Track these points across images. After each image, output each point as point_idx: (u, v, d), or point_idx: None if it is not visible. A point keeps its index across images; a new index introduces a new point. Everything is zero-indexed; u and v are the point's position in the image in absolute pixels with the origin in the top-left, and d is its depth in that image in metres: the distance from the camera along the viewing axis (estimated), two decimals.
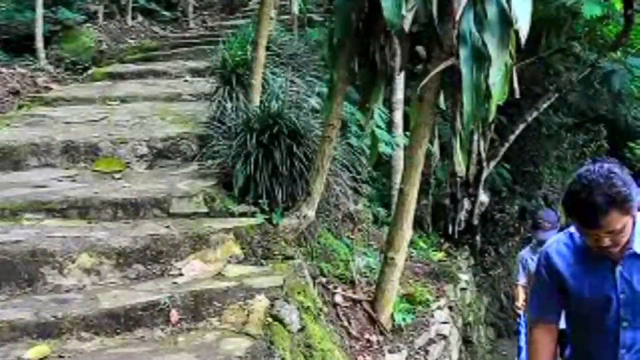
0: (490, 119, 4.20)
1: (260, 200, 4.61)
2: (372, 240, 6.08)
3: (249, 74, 5.49)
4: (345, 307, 4.74)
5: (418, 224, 7.10)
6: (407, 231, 4.66)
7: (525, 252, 6.29)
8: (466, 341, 7.17)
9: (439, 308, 5.75)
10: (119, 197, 4.51)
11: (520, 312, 6.18)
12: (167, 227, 4.18)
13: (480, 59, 3.98)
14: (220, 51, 6.15)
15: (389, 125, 6.68)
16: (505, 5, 3.92)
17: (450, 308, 6.22)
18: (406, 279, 5.68)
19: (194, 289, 3.67)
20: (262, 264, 4.11)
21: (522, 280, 6.22)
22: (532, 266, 5.45)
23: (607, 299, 2.66)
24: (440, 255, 7.21)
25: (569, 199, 2.50)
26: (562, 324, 2.90)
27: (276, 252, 4.22)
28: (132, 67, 8.36)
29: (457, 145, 4.33)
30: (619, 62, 8.60)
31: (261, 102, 5.25)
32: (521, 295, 6.12)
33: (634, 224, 2.54)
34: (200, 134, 5.53)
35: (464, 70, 3.98)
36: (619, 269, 2.63)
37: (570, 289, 2.75)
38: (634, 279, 2.63)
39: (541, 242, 5.43)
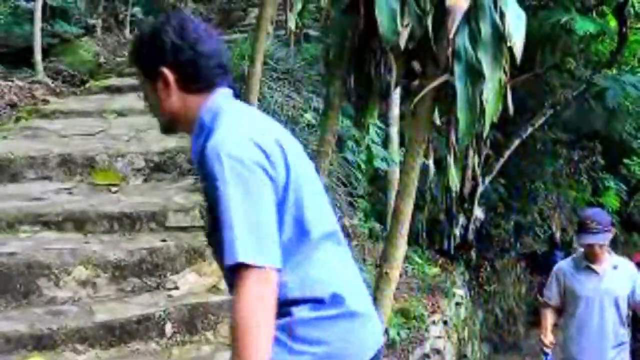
0: (485, 134, 4.23)
1: None
2: (367, 255, 6.09)
3: (246, 88, 5.51)
4: None
5: (413, 239, 7.11)
6: (402, 246, 4.66)
7: (564, 264, 4.86)
8: (461, 356, 7.16)
9: (433, 323, 5.75)
10: (116, 210, 4.52)
11: (548, 350, 4.62)
12: (163, 240, 4.20)
13: (475, 75, 4.01)
14: None
15: (385, 141, 6.71)
16: (500, 23, 3.96)
17: (445, 323, 6.21)
18: (401, 293, 5.69)
19: (189, 302, 3.69)
20: None
21: (553, 299, 4.77)
22: (571, 283, 4.61)
23: None
24: (435, 270, 7.21)
25: None
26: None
27: None
28: (129, 81, 8.33)
29: (452, 161, 4.35)
30: (613, 79, 8.66)
31: None
32: (549, 321, 4.75)
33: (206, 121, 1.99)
34: None
35: (459, 86, 4.01)
36: None
37: None
38: None
39: (587, 251, 4.56)
